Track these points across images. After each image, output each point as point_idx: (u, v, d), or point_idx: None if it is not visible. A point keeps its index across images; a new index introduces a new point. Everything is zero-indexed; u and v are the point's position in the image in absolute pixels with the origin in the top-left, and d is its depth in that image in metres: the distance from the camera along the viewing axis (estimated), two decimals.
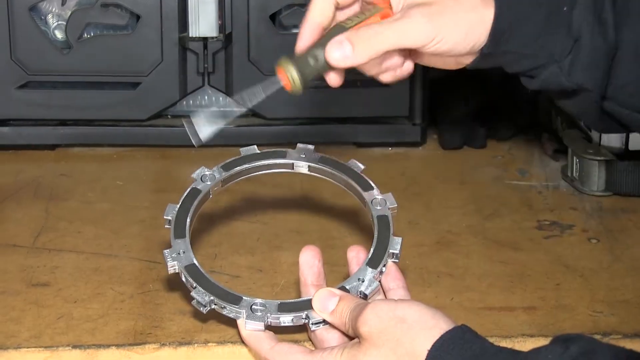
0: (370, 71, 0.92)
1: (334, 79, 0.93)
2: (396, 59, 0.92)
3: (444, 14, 0.87)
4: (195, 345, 0.94)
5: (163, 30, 1.35)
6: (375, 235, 0.95)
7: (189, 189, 0.98)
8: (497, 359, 0.79)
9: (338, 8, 0.92)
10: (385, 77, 0.94)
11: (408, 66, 0.94)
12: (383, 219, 0.96)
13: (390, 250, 0.94)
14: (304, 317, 0.90)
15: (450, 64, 0.92)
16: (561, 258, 1.11)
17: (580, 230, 1.18)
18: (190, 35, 1.35)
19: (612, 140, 1.26)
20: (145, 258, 1.09)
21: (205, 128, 0.92)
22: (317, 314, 0.90)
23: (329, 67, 0.89)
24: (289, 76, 0.89)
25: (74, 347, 0.93)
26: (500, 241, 1.15)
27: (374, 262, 0.93)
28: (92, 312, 0.98)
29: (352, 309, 0.87)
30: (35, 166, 1.34)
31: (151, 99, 1.37)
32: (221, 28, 1.36)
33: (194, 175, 0.99)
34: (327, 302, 0.89)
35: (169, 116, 1.41)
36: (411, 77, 1.36)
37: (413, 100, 1.39)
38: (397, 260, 0.94)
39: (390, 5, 0.90)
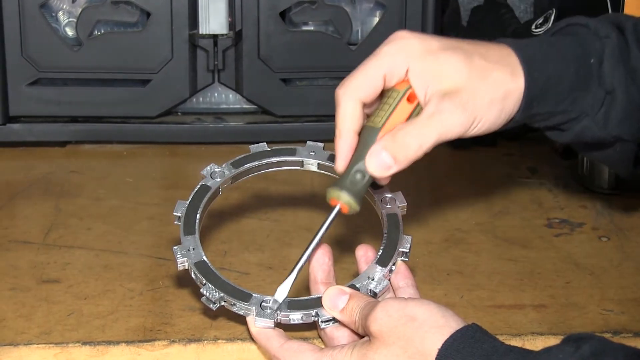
0: None
1: (383, 182, 0.93)
2: None
3: (476, 100, 0.85)
4: (205, 342, 0.94)
5: (173, 27, 1.35)
6: (385, 234, 0.95)
7: (198, 186, 0.98)
8: (508, 359, 0.79)
9: (369, 105, 0.90)
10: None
11: None
12: (392, 218, 0.96)
13: (400, 249, 0.94)
14: (313, 315, 0.90)
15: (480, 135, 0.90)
16: (571, 256, 1.11)
17: (590, 228, 1.18)
18: (200, 32, 1.35)
19: None
20: (155, 255, 1.10)
21: (280, 292, 0.91)
22: (327, 312, 0.90)
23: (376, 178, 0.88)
24: (344, 203, 0.88)
25: (84, 343, 0.93)
26: (510, 239, 1.15)
27: (383, 260, 0.93)
28: (102, 309, 0.99)
29: (362, 308, 0.87)
30: (46, 163, 1.34)
31: (161, 96, 1.37)
32: (231, 25, 1.36)
33: (204, 172, 0.99)
34: (337, 300, 0.89)
35: (179, 113, 1.42)
36: None
37: None
38: (406, 259, 0.94)
39: (408, 83, 0.87)
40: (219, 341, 0.94)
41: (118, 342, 0.93)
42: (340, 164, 0.89)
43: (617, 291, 1.03)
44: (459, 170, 1.34)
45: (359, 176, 0.88)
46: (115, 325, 0.96)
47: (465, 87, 0.85)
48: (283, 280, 0.91)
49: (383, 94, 0.89)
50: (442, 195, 1.26)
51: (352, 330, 0.89)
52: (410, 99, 0.87)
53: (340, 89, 0.89)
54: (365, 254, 0.96)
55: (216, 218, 1.16)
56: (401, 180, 1.29)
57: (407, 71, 0.87)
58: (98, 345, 0.93)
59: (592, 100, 0.87)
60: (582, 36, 0.89)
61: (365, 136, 0.88)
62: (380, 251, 0.94)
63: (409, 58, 0.87)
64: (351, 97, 0.89)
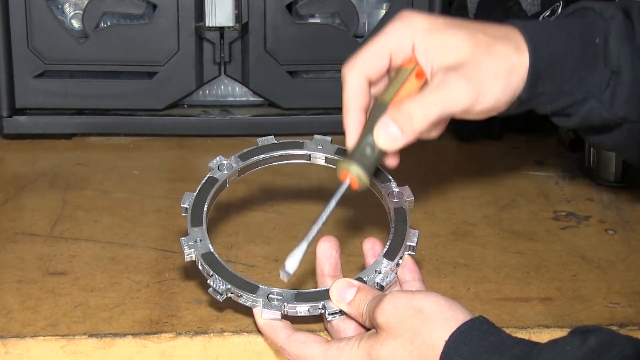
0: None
1: (391, 161, 0.92)
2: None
3: (481, 72, 0.85)
4: (211, 334, 0.94)
5: (179, 19, 1.35)
6: (392, 228, 0.95)
7: (206, 177, 0.98)
8: (515, 350, 0.79)
9: (375, 82, 0.90)
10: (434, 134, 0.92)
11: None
12: (400, 212, 0.96)
13: (407, 243, 0.94)
14: (320, 307, 0.90)
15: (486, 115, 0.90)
16: (578, 249, 1.11)
17: (596, 221, 1.18)
18: (206, 24, 1.35)
19: None
20: (162, 247, 1.10)
21: (290, 262, 0.90)
22: (334, 304, 0.90)
23: (385, 152, 0.88)
24: (354, 176, 0.88)
25: (90, 335, 0.93)
26: (517, 232, 1.15)
27: (390, 254, 0.93)
28: (108, 301, 0.99)
29: (369, 300, 0.87)
30: (52, 155, 1.34)
31: (167, 88, 1.37)
32: (238, 18, 1.36)
33: (212, 164, 0.99)
34: (345, 293, 0.89)
35: (185, 106, 1.42)
36: None
37: None
38: (413, 253, 0.94)
39: (416, 61, 0.88)
40: (226, 333, 0.94)
41: (124, 335, 0.93)
42: (350, 140, 0.89)
43: (623, 284, 1.03)
44: (465, 163, 1.34)
45: (368, 150, 0.88)
46: (121, 318, 0.96)
47: (470, 61, 0.85)
48: (291, 252, 0.90)
49: (391, 73, 0.90)
50: (448, 188, 1.26)
51: (359, 323, 0.89)
52: (419, 75, 0.88)
53: (346, 66, 0.90)
54: (372, 247, 0.96)
55: (222, 211, 1.16)
56: (408, 172, 1.29)
57: (413, 48, 0.88)
58: (104, 337, 0.93)
59: (598, 80, 0.87)
60: (589, 18, 0.89)
61: (374, 112, 0.88)
62: (388, 245, 0.94)
63: (414, 34, 0.87)
64: (357, 73, 0.89)
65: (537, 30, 0.87)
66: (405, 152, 1.36)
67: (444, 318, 0.82)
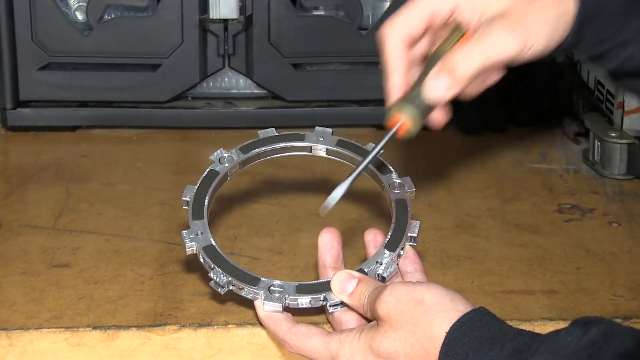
0: (473, 93, 0.90)
1: (439, 118, 0.90)
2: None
3: (526, 20, 0.84)
4: (215, 326, 0.94)
5: (183, 12, 1.35)
6: (393, 219, 0.95)
7: (207, 171, 0.98)
8: (516, 341, 0.78)
9: (413, 44, 0.89)
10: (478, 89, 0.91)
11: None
12: (401, 203, 0.96)
13: (409, 234, 0.94)
14: (322, 299, 0.90)
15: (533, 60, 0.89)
16: (582, 242, 1.11)
17: (601, 214, 1.17)
18: (210, 17, 1.35)
19: (634, 123, 1.26)
20: (165, 240, 1.10)
21: (331, 199, 0.90)
22: (335, 296, 0.90)
23: (432, 107, 0.87)
24: (408, 118, 0.86)
25: (94, 328, 0.93)
26: (521, 225, 1.15)
27: (392, 245, 0.93)
28: (112, 294, 0.99)
29: (370, 291, 0.87)
30: (56, 148, 1.34)
31: (171, 80, 1.37)
32: (242, 10, 1.35)
33: (212, 157, 0.99)
34: (345, 284, 0.89)
35: (189, 98, 1.41)
36: None
37: None
38: (415, 244, 0.94)
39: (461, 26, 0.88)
40: (229, 326, 0.94)
41: (128, 327, 0.93)
42: (392, 99, 0.88)
43: (627, 277, 1.03)
44: (469, 155, 1.34)
45: (418, 100, 0.86)
46: (125, 310, 0.96)
47: (514, 9, 0.85)
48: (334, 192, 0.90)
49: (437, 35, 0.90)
50: (452, 181, 1.26)
51: (360, 315, 0.89)
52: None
53: (386, 27, 0.89)
54: (374, 238, 0.96)
55: (226, 203, 1.16)
56: (412, 165, 1.29)
57: (451, 9, 0.88)
58: (108, 329, 0.93)
59: None
60: None
61: (426, 69, 0.87)
62: (389, 236, 0.94)
63: None
64: (397, 34, 0.88)
65: None
66: (408, 145, 1.36)
67: (444, 309, 0.82)
